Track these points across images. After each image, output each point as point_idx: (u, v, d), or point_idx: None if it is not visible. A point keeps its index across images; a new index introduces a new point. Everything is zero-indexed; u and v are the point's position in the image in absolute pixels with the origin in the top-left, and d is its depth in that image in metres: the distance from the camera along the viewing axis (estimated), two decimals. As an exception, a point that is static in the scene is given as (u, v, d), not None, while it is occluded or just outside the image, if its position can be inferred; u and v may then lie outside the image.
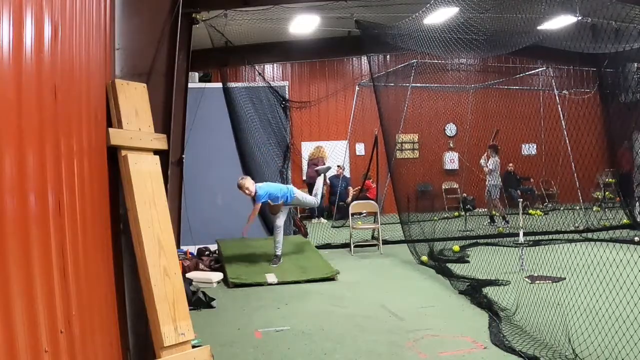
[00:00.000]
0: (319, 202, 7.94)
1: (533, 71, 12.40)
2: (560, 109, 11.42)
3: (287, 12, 8.22)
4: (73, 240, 2.45)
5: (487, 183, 10.92)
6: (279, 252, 7.21)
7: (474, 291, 5.57)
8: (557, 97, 11.62)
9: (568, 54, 11.14)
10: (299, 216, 11.18)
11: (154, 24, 4.02)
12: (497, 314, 4.78)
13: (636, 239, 8.41)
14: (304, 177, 13.22)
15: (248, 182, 6.87)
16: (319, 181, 8.01)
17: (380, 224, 8.96)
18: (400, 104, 11.44)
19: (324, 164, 12.02)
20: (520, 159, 13.92)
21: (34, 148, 2.05)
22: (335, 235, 9.92)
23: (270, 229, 8.59)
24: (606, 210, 11.77)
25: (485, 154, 11.07)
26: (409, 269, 7.24)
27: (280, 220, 7.21)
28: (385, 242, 8.96)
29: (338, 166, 13.03)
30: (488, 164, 10.85)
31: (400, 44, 8.46)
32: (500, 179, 10.95)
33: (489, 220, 11.30)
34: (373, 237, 9.23)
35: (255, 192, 6.86)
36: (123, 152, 3.47)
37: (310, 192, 12.20)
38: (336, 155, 12.43)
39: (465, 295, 5.57)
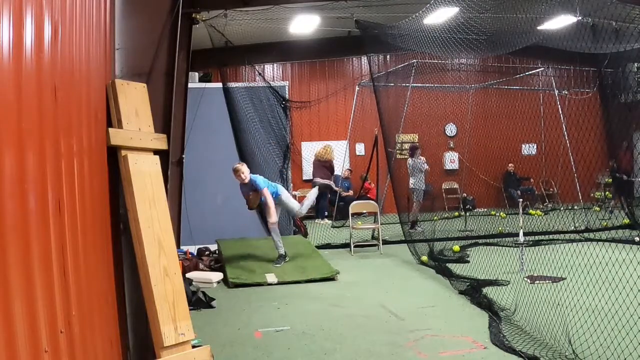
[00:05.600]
0: (303, 212, 7.81)
1: (533, 71, 12.39)
2: (560, 109, 11.41)
3: (287, 12, 8.21)
4: (73, 240, 2.45)
5: (410, 184, 10.18)
6: (282, 251, 7.20)
7: (474, 291, 5.56)
8: (557, 97, 11.62)
9: (568, 54, 11.14)
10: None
11: (154, 24, 4.02)
12: (497, 313, 4.78)
13: (636, 239, 8.40)
14: (304, 177, 13.23)
15: (245, 168, 7.11)
16: (313, 192, 7.93)
17: (380, 224, 8.96)
18: (400, 104, 11.42)
19: (333, 169, 12.06)
20: (520, 159, 13.91)
21: (34, 148, 2.05)
22: (335, 235, 9.91)
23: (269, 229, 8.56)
24: (606, 210, 11.76)
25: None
26: (409, 269, 7.24)
27: (274, 218, 7.09)
28: (385, 242, 8.95)
29: (349, 170, 13.10)
30: (408, 163, 10.35)
31: (400, 44, 8.45)
32: (424, 182, 10.25)
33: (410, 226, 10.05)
34: (373, 237, 9.23)
35: (251, 180, 6.98)
36: (123, 152, 3.47)
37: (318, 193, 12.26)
38: (336, 155, 12.43)
39: (465, 295, 5.57)
